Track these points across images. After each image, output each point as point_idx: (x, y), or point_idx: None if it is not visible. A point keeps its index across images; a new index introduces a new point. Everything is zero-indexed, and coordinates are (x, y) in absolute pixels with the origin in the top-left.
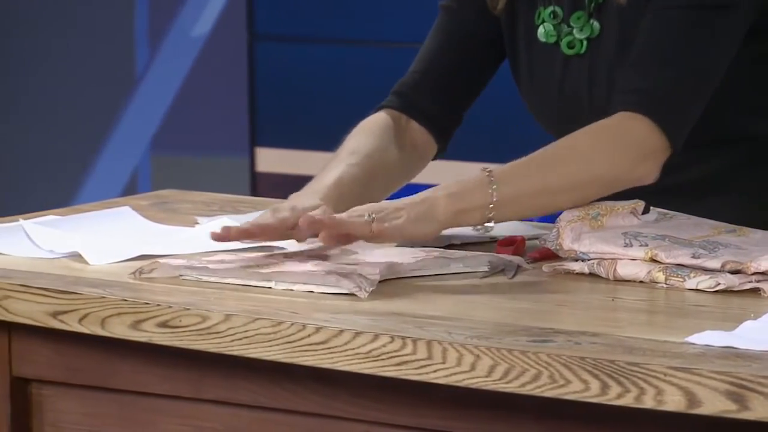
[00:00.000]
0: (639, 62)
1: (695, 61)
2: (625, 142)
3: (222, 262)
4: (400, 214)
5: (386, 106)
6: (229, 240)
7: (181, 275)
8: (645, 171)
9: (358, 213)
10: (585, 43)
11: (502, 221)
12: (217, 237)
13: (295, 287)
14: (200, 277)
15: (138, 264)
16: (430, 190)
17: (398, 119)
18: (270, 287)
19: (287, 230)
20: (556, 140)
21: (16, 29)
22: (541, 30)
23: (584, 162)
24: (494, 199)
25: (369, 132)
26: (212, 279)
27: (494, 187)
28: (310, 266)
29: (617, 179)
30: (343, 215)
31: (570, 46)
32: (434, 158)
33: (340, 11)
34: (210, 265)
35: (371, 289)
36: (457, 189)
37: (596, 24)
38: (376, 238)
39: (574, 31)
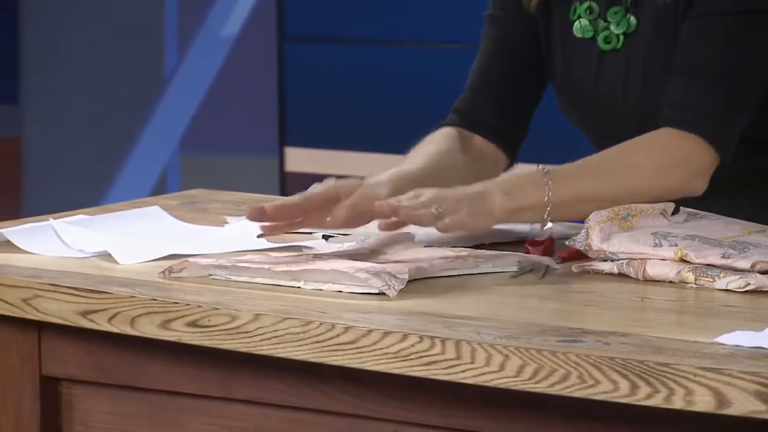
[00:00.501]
0: (686, 72)
1: (741, 72)
2: (678, 159)
3: (251, 261)
4: (461, 206)
5: (448, 124)
6: (265, 219)
7: (210, 275)
8: (696, 186)
9: (423, 202)
10: (621, 38)
11: (552, 222)
12: (255, 216)
13: (324, 287)
14: (229, 276)
15: (167, 263)
16: (485, 183)
17: (462, 135)
18: (299, 287)
19: (326, 202)
20: (594, 138)
21: (47, 29)
22: (577, 25)
23: (638, 175)
24: (549, 200)
25: (429, 141)
26: (241, 278)
27: (550, 188)
28: (338, 265)
29: (670, 193)
30: (409, 203)
31: (606, 41)
32: (505, 170)
33: (370, 11)
34: (239, 264)
35: (400, 288)
36: (512, 186)
37: (633, 19)
38: (440, 230)
39: (611, 26)
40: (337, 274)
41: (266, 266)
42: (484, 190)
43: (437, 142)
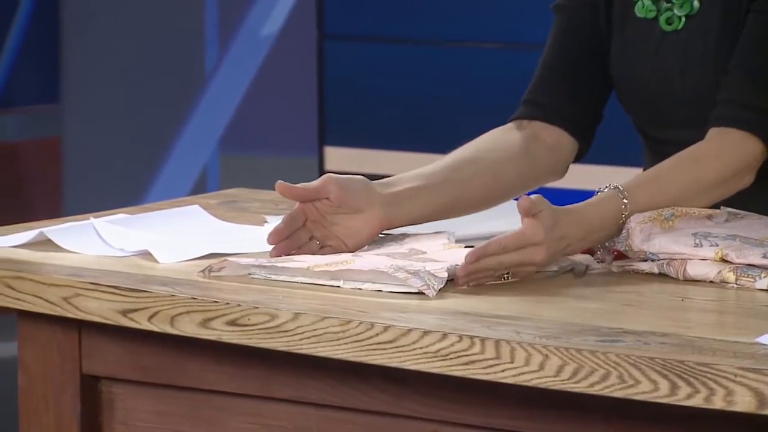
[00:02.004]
0: (745, 71)
1: None
2: (741, 167)
3: (290, 260)
4: (538, 264)
5: (517, 117)
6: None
7: (249, 274)
8: (747, 183)
9: (497, 265)
10: (683, 19)
11: None
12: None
13: (364, 286)
14: (269, 276)
15: (207, 263)
16: (571, 221)
17: (530, 126)
18: (339, 286)
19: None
20: (644, 127)
21: (88, 29)
22: (639, 5)
23: (707, 192)
24: (622, 232)
25: (475, 141)
26: (281, 278)
27: (625, 223)
28: (378, 264)
29: (728, 196)
30: (486, 261)
31: (668, 22)
32: (578, 158)
33: (410, 10)
34: (278, 264)
35: (440, 287)
36: (592, 229)
37: (696, 2)
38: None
39: (674, 7)
40: (376, 274)
41: (305, 266)
42: (567, 239)
43: (481, 139)
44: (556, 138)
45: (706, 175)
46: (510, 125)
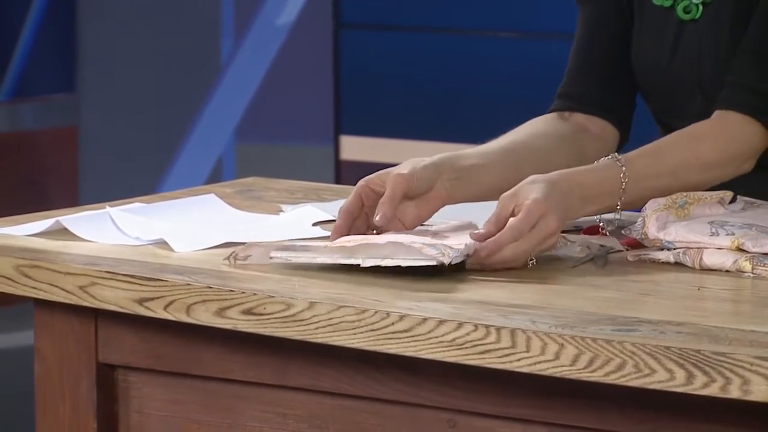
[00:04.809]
0: (754, 54)
1: None
2: (743, 151)
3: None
4: (556, 233)
5: (553, 110)
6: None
7: (271, 257)
8: (747, 168)
9: (521, 254)
10: (701, 8)
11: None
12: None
13: (383, 262)
14: (289, 258)
15: (224, 251)
16: (566, 181)
17: (572, 117)
18: (358, 264)
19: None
20: (661, 116)
21: (104, 19)
22: None
23: (707, 170)
24: (621, 203)
25: (524, 126)
26: (301, 259)
27: (624, 191)
28: (394, 239)
29: (727, 179)
30: (503, 253)
31: (686, 10)
32: (620, 148)
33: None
34: (299, 245)
35: (456, 258)
36: (592, 195)
37: None
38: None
39: None
40: (394, 248)
41: (323, 244)
42: (568, 205)
43: (530, 125)
44: (600, 128)
45: (704, 154)
46: (552, 115)
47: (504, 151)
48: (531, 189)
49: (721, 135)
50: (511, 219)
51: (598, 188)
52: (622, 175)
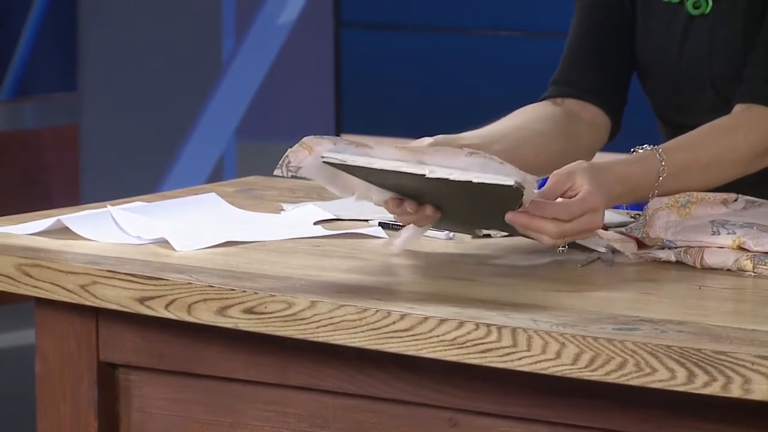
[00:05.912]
0: None
1: None
2: (762, 135)
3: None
4: (591, 234)
5: (548, 96)
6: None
7: (323, 157)
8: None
9: (561, 233)
10: (710, 3)
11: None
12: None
13: (452, 176)
14: (345, 160)
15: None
16: (615, 180)
17: (565, 104)
18: (424, 174)
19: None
20: (666, 114)
21: (105, 17)
22: None
23: (738, 165)
24: (654, 195)
25: (518, 111)
26: (358, 162)
27: (658, 188)
28: (464, 158)
29: (752, 167)
30: (545, 224)
31: (695, 6)
32: (610, 139)
33: None
34: (356, 146)
35: (531, 180)
36: (634, 183)
37: None
38: None
39: None
40: (470, 161)
41: (389, 148)
42: (606, 194)
43: (524, 110)
44: (592, 115)
45: (740, 146)
46: (544, 102)
47: (502, 133)
48: (586, 177)
49: (754, 127)
50: (566, 199)
51: (637, 180)
52: (660, 169)
